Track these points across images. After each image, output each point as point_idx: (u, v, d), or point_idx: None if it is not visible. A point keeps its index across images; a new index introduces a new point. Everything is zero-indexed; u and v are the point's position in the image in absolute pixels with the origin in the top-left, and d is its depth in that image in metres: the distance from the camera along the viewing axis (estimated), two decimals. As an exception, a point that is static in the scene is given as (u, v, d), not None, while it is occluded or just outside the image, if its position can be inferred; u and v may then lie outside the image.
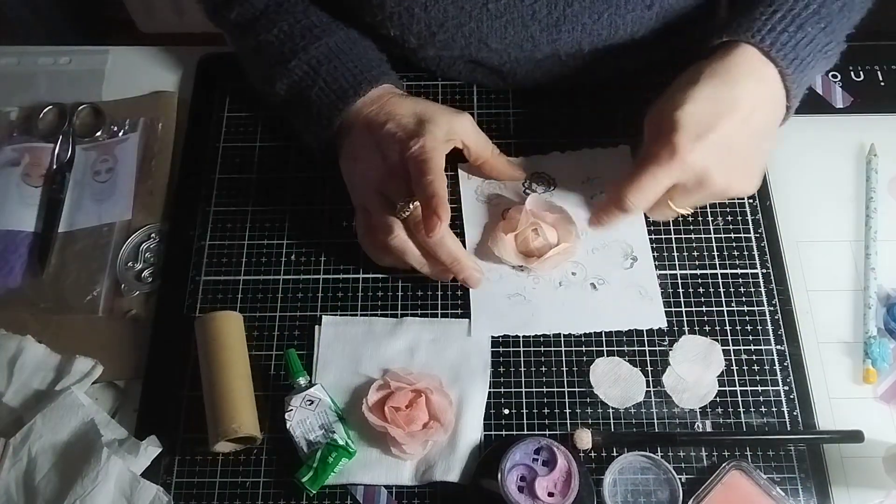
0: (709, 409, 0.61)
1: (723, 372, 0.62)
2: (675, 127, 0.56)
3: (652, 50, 0.72)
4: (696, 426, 0.60)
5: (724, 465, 0.58)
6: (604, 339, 0.63)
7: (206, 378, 0.61)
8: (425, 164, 0.60)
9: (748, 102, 0.57)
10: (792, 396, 0.61)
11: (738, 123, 0.57)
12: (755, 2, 0.61)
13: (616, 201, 0.59)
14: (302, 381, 0.60)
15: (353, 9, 0.68)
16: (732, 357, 0.62)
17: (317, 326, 0.65)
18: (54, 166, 0.73)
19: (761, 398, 0.61)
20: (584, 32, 0.65)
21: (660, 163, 0.56)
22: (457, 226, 0.69)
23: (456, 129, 0.64)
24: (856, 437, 0.58)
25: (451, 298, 0.66)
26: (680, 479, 0.58)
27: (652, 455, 0.58)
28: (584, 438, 0.58)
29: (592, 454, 0.59)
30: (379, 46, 0.70)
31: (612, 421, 0.60)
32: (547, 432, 0.60)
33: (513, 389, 0.62)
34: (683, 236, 0.68)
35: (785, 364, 0.62)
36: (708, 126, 0.56)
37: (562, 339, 0.64)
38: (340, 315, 0.65)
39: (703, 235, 0.68)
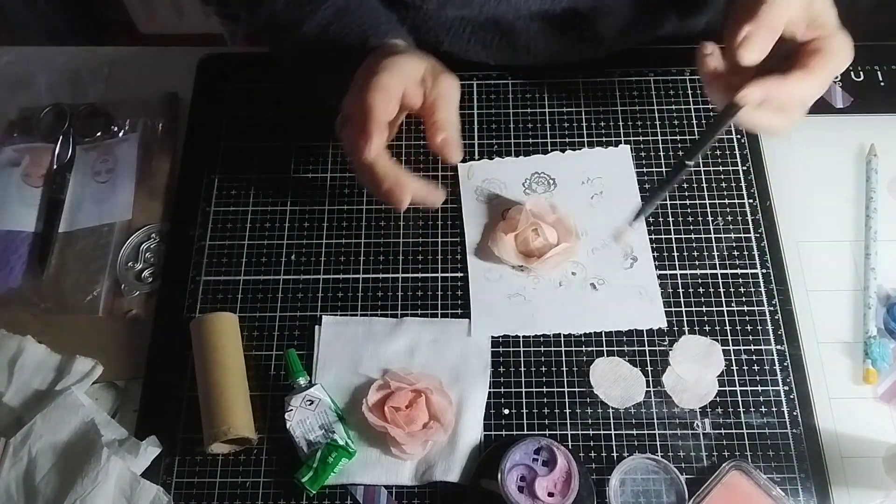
0: (709, 409, 0.61)
1: (723, 372, 0.62)
2: None
3: (671, 12, 0.71)
4: (695, 426, 0.60)
5: (724, 465, 0.58)
6: (604, 339, 0.63)
7: (200, 379, 0.61)
8: (372, 79, 0.58)
9: None
10: (792, 396, 0.61)
11: None
12: None
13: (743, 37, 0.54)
14: (302, 381, 0.60)
15: None
16: (732, 357, 0.63)
17: (317, 326, 0.65)
18: (54, 166, 0.73)
19: (761, 398, 0.61)
20: None
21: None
22: (457, 226, 0.69)
23: (437, 74, 0.60)
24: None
25: (451, 298, 0.66)
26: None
27: (658, 458, 0.58)
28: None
29: (593, 454, 0.59)
30: (395, 15, 0.69)
31: (612, 421, 0.60)
32: (547, 432, 0.60)
33: (513, 389, 0.62)
34: (683, 236, 0.68)
35: (785, 364, 0.62)
36: None
37: (562, 339, 0.64)
38: (340, 315, 0.65)
39: (703, 235, 0.68)
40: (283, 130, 0.73)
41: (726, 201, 0.69)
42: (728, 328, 0.64)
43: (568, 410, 0.61)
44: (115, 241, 0.69)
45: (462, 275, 0.67)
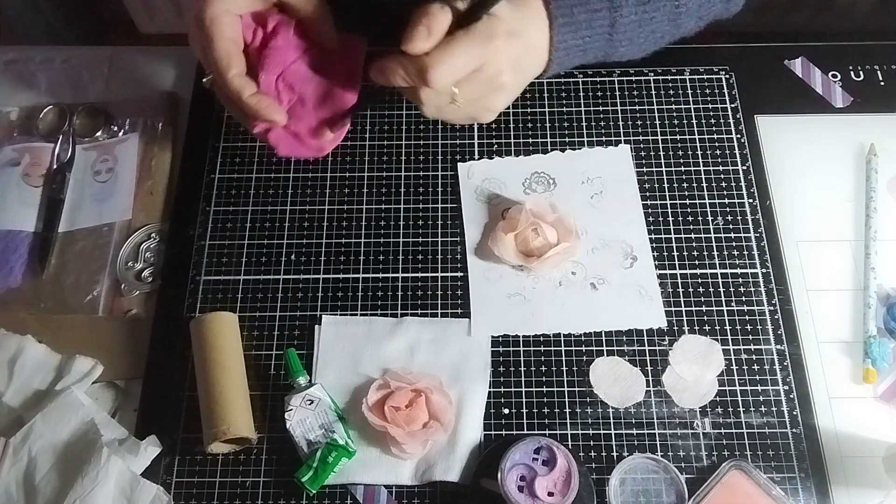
0: (708, 409, 0.61)
1: (723, 372, 0.62)
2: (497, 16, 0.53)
3: None
4: (695, 425, 0.60)
5: (723, 464, 0.58)
6: (604, 338, 0.64)
7: (199, 379, 0.61)
8: (203, 30, 0.57)
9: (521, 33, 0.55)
10: (792, 396, 0.61)
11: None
12: None
13: (419, 68, 0.52)
14: (302, 380, 0.60)
15: None
16: (732, 357, 0.63)
17: (317, 326, 0.65)
18: (54, 166, 0.73)
19: (761, 398, 0.61)
20: None
21: (476, 39, 0.52)
22: (457, 226, 0.69)
23: None
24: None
25: (451, 298, 0.66)
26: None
27: (658, 457, 0.58)
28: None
29: (593, 454, 0.59)
30: None
31: (612, 420, 0.60)
32: (547, 432, 0.60)
33: (513, 389, 0.62)
34: (683, 236, 0.68)
35: (785, 364, 0.62)
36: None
37: (562, 339, 0.64)
38: (340, 315, 0.65)
39: (703, 235, 0.68)
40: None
41: (726, 201, 0.69)
42: (728, 328, 0.64)
43: (568, 410, 0.61)
44: (115, 240, 0.69)
45: (462, 274, 0.67)
